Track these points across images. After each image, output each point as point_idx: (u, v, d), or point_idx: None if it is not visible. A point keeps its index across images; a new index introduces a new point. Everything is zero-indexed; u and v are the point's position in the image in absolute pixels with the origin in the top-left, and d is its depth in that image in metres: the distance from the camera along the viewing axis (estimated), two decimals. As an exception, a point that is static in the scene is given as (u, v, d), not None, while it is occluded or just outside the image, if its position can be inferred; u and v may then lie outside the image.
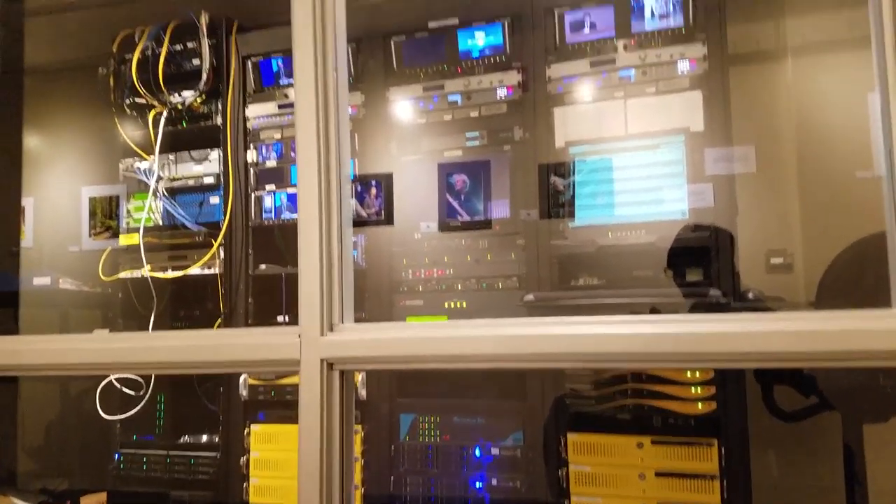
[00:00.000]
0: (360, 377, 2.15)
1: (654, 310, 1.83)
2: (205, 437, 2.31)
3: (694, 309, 1.86)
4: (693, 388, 1.86)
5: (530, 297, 2.02)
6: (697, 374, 1.86)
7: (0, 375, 1.42)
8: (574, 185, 2.07)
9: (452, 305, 2.18)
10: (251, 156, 2.38)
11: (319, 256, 1.16)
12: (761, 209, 2.31)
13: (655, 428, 1.88)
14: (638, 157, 2.04)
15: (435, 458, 2.11)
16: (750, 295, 1.87)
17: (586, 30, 2.12)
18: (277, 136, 2.38)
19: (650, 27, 2.04)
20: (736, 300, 1.84)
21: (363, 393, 2.15)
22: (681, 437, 1.84)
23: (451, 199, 2.23)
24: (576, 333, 1.05)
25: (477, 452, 2.08)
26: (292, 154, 2.35)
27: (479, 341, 1.09)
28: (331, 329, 1.15)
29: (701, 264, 1.92)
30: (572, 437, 1.94)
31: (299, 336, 1.15)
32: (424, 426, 2.14)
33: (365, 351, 1.13)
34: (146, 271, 2.28)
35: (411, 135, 2.27)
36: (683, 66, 2.01)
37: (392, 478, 2.13)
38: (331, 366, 1.13)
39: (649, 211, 2.00)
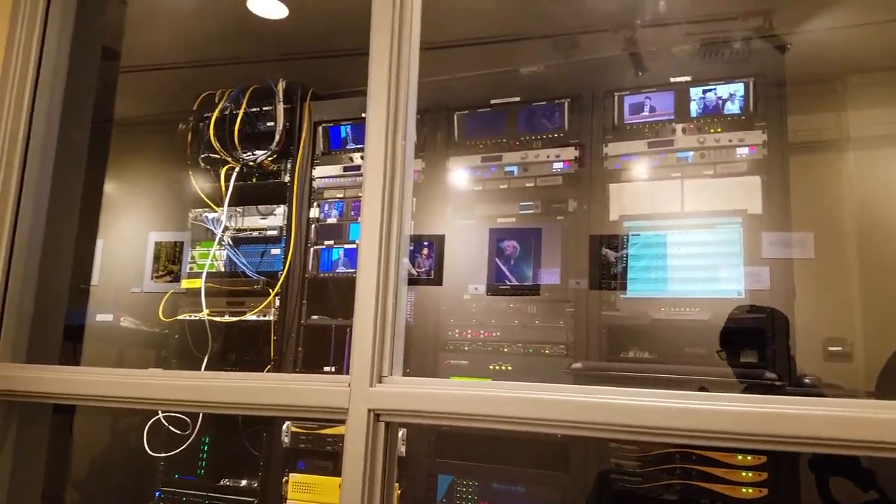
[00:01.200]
0: (400, 434, 2.14)
1: (702, 388, 1.79)
2: (244, 482, 2.32)
3: (748, 391, 1.81)
4: (743, 472, 1.79)
5: (578, 364, 2.01)
6: (749, 458, 1.79)
7: (57, 403, 1.48)
8: (627, 258, 2.08)
9: (497, 368, 2.17)
10: (314, 212, 2.48)
11: (374, 309, 1.20)
12: (820, 296, 2.27)
13: (708, 511, 1.80)
14: (693, 235, 2.04)
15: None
16: (806, 380, 1.81)
17: (645, 112, 2.18)
18: (340, 195, 2.48)
19: (710, 112, 2.08)
20: (791, 385, 1.79)
21: (403, 450, 2.14)
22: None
23: (500, 264, 2.26)
24: (622, 403, 1.05)
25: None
26: (352, 213, 2.44)
27: (523, 403, 1.09)
28: (380, 381, 1.18)
29: (755, 346, 1.88)
30: (617, 516, 1.88)
31: (349, 385, 1.18)
32: (462, 489, 2.10)
33: (411, 405, 1.15)
34: (205, 314, 2.37)
35: (467, 201, 2.34)
36: (742, 151, 2.03)
37: (428, 539, 2.09)
38: (377, 416, 1.16)
39: (704, 288, 1.98)
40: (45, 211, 1.57)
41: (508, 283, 2.23)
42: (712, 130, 2.08)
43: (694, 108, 2.11)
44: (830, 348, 2.23)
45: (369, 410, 1.15)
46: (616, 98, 2.19)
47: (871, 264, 2.28)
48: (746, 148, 2.02)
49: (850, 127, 2.36)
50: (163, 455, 2.34)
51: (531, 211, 2.26)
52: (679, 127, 2.11)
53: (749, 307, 1.91)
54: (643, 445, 1.88)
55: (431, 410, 1.14)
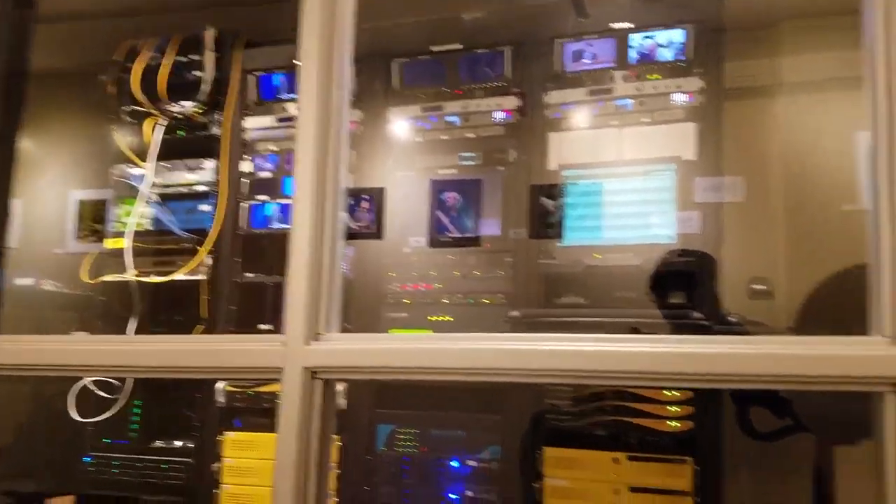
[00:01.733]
0: (340, 388, 2.14)
1: (634, 329, 1.85)
2: (178, 443, 2.29)
3: (675, 331, 1.88)
4: (670, 407, 1.87)
5: (516, 313, 2.04)
6: (676, 393, 1.87)
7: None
8: (564, 207, 2.10)
9: (438, 319, 2.19)
10: (246, 166, 2.39)
11: (309, 264, 1.17)
12: (747, 238, 2.35)
13: (632, 445, 1.89)
14: (629, 182, 2.07)
15: (412, 469, 2.11)
16: (731, 318, 1.89)
17: (586, 59, 2.17)
18: (274, 148, 2.40)
19: (649, 59, 2.08)
20: (717, 323, 1.87)
21: (343, 403, 2.14)
22: (656, 455, 1.85)
23: (441, 216, 2.25)
24: (557, 349, 1.06)
25: (454, 464, 2.07)
26: (287, 166, 2.36)
27: (463, 354, 1.10)
28: (316, 338, 1.16)
29: (684, 288, 1.94)
30: (549, 452, 1.94)
31: (283, 344, 1.15)
32: (402, 438, 2.13)
33: (349, 361, 1.13)
34: (131, 274, 2.27)
35: (407, 152, 2.30)
36: (679, 98, 2.05)
37: (368, 488, 2.12)
38: (314, 374, 1.14)
39: (637, 234, 2.03)
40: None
41: (450, 234, 2.23)
42: (651, 77, 2.09)
43: (633, 55, 2.11)
44: (754, 286, 2.32)
45: (305, 369, 1.13)
46: (557, 45, 2.16)
47: (795, 204, 2.37)
48: (684, 95, 2.04)
49: (783, 73, 2.41)
50: (91, 420, 2.27)
51: (472, 162, 2.24)
52: (619, 74, 2.11)
53: (679, 251, 1.97)
54: (576, 386, 1.94)
55: (370, 366, 1.14)
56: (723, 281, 1.95)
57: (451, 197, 2.25)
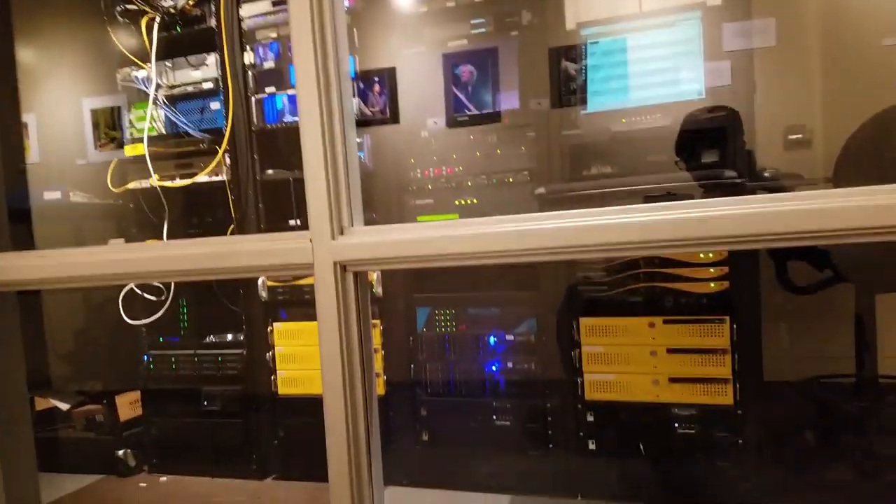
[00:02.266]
0: (374, 275, 2.18)
1: (669, 194, 1.82)
2: (230, 336, 2.41)
3: (710, 191, 1.84)
4: (706, 269, 1.87)
5: (541, 189, 2.01)
6: (710, 255, 1.87)
7: (20, 289, 1.45)
8: (586, 70, 1.99)
9: (463, 203, 2.17)
10: (248, 58, 2.30)
11: (324, 160, 1.15)
12: (781, 85, 2.23)
13: (667, 309, 1.92)
14: (652, 36, 1.94)
15: (452, 346, 2.19)
16: (766, 174, 1.84)
17: None
18: (274, 35, 2.28)
19: None
20: (752, 180, 1.82)
21: (379, 290, 2.19)
22: (693, 316, 1.88)
23: (457, 93, 2.16)
24: (584, 225, 1.04)
25: (492, 340, 2.15)
26: (290, 54, 2.27)
27: (489, 238, 1.09)
28: (341, 232, 1.15)
29: (716, 146, 1.88)
30: (585, 322, 1.99)
31: (311, 241, 1.15)
32: (440, 318, 2.20)
33: (376, 253, 1.13)
34: (154, 181, 2.28)
35: (413, 25, 2.17)
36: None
37: (412, 366, 2.22)
38: (343, 268, 1.15)
39: (665, 93, 1.93)
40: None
41: (468, 112, 2.15)
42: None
43: None
44: (790, 136, 2.24)
45: (335, 263, 1.14)
46: None
47: (832, 47, 2.22)
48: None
49: None
50: (143, 322, 2.38)
51: (483, 29, 2.11)
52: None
53: (708, 108, 1.88)
54: (608, 258, 1.94)
55: (397, 256, 1.14)
56: (757, 133, 1.88)
57: (465, 71, 2.15)
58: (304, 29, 1.14)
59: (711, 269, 1.87)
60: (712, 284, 1.87)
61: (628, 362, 1.95)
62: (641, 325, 1.93)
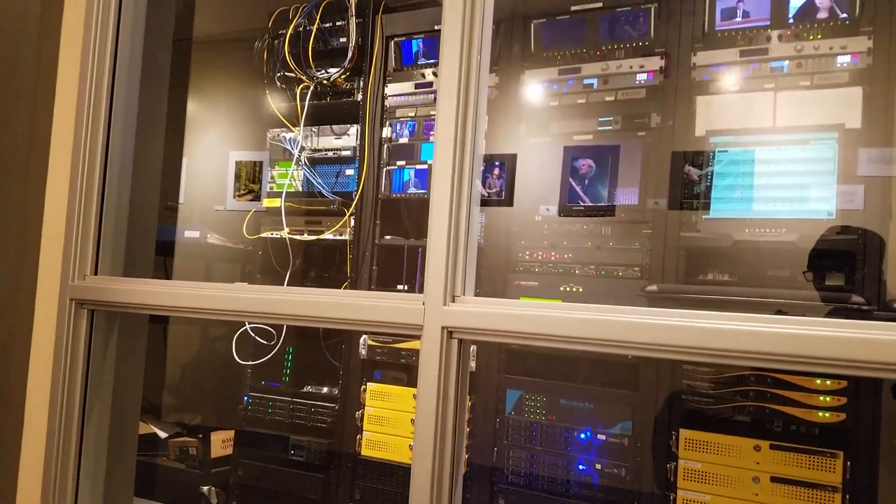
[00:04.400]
0: (471, 349, 2.20)
1: (780, 311, 1.74)
2: (325, 389, 2.48)
3: (831, 315, 1.74)
4: (821, 397, 1.75)
5: (653, 287, 1.98)
6: (828, 382, 1.75)
7: (152, 314, 1.60)
8: (711, 176, 1.99)
9: (568, 289, 2.17)
10: (386, 132, 2.48)
11: (448, 230, 1.22)
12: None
13: (776, 433, 1.80)
14: (784, 151, 1.92)
15: (539, 435, 2.13)
16: (895, 304, 1.73)
17: (738, 17, 2.02)
18: (412, 114, 2.46)
19: (809, 17, 1.91)
20: (880, 309, 1.71)
21: (473, 365, 2.20)
22: (803, 445, 1.75)
23: (573, 183, 2.21)
24: (696, 325, 1.03)
25: (583, 436, 2.08)
26: (424, 132, 2.43)
27: (594, 324, 1.10)
28: (453, 300, 1.21)
29: (844, 269, 1.79)
30: (685, 433, 1.89)
31: (423, 303, 1.21)
32: (531, 404, 2.16)
33: (483, 323, 1.17)
34: (285, 233, 2.46)
35: (541, 117, 2.27)
36: (844, 60, 1.86)
37: (496, 449, 2.18)
38: (450, 333, 1.19)
39: (792, 209, 1.88)
40: (134, 131, 1.65)
41: (582, 203, 2.19)
42: (811, 38, 1.91)
43: (791, 12, 1.94)
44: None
45: (443, 328, 1.19)
46: (707, 1, 2.03)
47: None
48: (849, 56, 1.85)
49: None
50: (250, 363, 2.51)
51: (610, 127, 2.17)
52: (775, 34, 1.95)
53: (840, 228, 1.81)
54: (717, 367, 1.86)
55: (502, 329, 1.17)
56: (888, 262, 1.78)
57: (584, 164, 2.21)
58: (448, 111, 1.24)
59: (827, 398, 1.75)
60: (827, 414, 1.74)
61: (727, 485, 1.82)
62: (746, 447, 1.81)
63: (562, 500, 2.06)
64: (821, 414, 1.75)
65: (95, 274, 1.55)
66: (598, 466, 2.04)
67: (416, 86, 2.46)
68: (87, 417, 1.52)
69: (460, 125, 1.24)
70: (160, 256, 2.63)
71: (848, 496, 1.69)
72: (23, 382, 1.50)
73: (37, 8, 1.49)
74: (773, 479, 1.77)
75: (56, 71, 1.51)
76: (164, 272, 2.69)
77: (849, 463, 1.70)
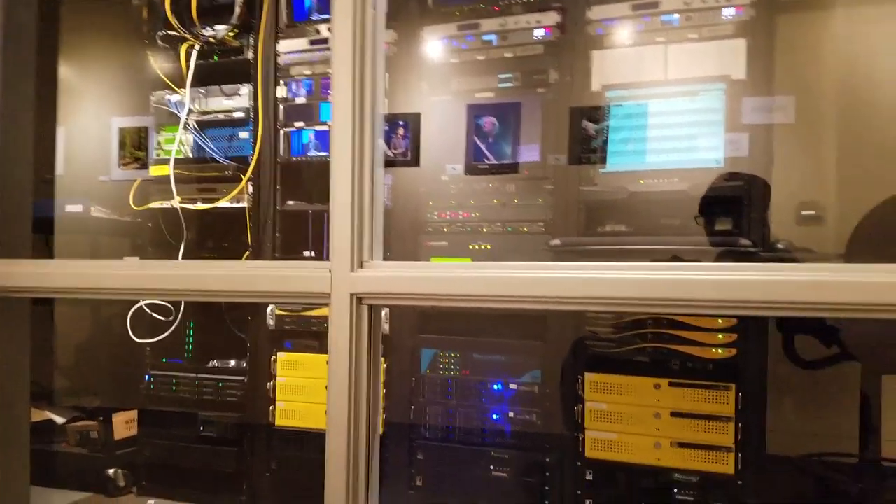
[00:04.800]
0: (383, 313, 2.19)
1: (675, 258, 1.84)
2: (233, 363, 2.40)
3: (721, 258, 1.85)
4: (713, 335, 1.88)
5: (556, 241, 2.03)
6: (720, 321, 1.87)
7: (35, 297, 1.48)
8: (607, 130, 2.04)
9: (477, 248, 2.20)
10: (281, 92, 2.37)
11: (351, 194, 1.18)
12: (797, 161, 2.27)
13: (674, 371, 1.92)
14: (676, 103, 2.00)
15: (455, 390, 2.18)
16: (780, 245, 1.86)
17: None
18: (308, 72, 2.36)
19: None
20: (765, 250, 1.84)
21: (386, 328, 2.20)
22: (698, 381, 1.87)
23: (478, 142, 2.21)
24: (598, 277, 1.06)
25: (496, 387, 2.14)
26: (322, 91, 2.34)
27: (503, 282, 1.11)
28: (360, 265, 1.18)
29: (732, 214, 1.91)
30: (590, 377, 1.99)
31: (330, 271, 1.17)
32: (445, 361, 2.20)
33: (393, 288, 1.15)
34: (176, 202, 2.32)
35: (443, 75, 2.24)
36: (729, 13, 1.94)
37: (413, 407, 2.21)
38: (360, 300, 1.17)
39: (683, 158, 1.97)
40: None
41: (487, 161, 2.20)
42: (698, -10, 1.97)
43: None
44: (803, 212, 2.26)
45: (351, 295, 1.16)
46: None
47: (849, 128, 2.27)
48: (733, 8, 1.93)
49: (837, -17, 2.26)
50: (149, 341, 2.39)
51: (511, 84, 2.17)
52: (664, -12, 2.00)
53: (728, 174, 1.91)
54: (618, 313, 1.95)
55: (413, 293, 1.16)
56: (771, 206, 1.91)
57: (487, 122, 2.21)
58: (344, 69, 1.19)
59: (720, 336, 1.87)
60: (720, 350, 1.87)
61: (631, 422, 1.94)
62: (647, 386, 1.93)
63: (478, 450, 2.12)
64: (714, 350, 1.88)
65: None
66: (511, 415, 2.11)
67: (311, 42, 2.35)
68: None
69: (358, 84, 1.19)
70: (40, 234, 2.42)
71: (740, 425, 1.84)
72: None
73: None
74: (673, 414, 1.89)
75: None
76: (47, 251, 2.48)
77: (740, 394, 1.84)
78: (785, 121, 1.97)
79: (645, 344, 1.95)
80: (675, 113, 2.00)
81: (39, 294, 1.45)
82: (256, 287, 1.26)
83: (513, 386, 2.12)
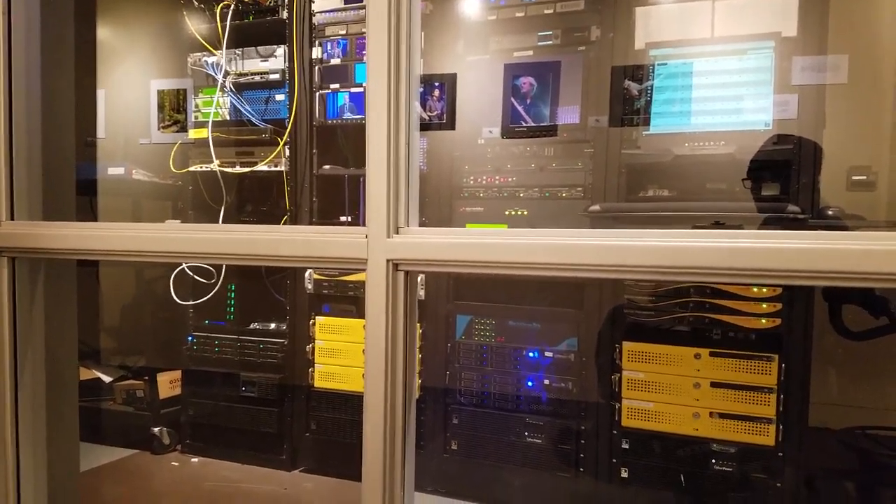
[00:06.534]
0: (419, 278, 2.19)
1: (717, 223, 1.78)
2: (272, 325, 2.44)
3: (767, 224, 1.79)
4: (758, 304, 1.83)
5: (596, 207, 1.99)
6: (764, 290, 1.82)
7: (81, 259, 1.51)
8: (651, 91, 1.97)
9: (513, 213, 2.16)
10: (316, 53, 2.34)
11: (387, 158, 1.16)
12: (849, 123, 2.17)
13: (715, 341, 1.88)
14: (722, 62, 1.91)
15: (490, 357, 2.18)
16: (829, 212, 1.78)
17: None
18: (342, 32, 2.32)
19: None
20: (814, 217, 1.77)
21: (421, 293, 2.20)
22: (741, 351, 1.83)
23: (515, 103, 2.16)
24: (637, 245, 1.03)
25: (531, 354, 2.13)
26: (357, 52, 2.30)
27: (541, 249, 1.08)
28: (396, 231, 1.17)
29: (780, 178, 1.83)
30: (627, 346, 1.96)
31: (366, 237, 1.17)
32: (480, 328, 2.19)
33: (429, 254, 1.14)
34: (216, 166, 2.33)
35: (479, 33, 2.18)
36: (780, -34, 1.84)
37: (448, 372, 2.22)
38: (396, 266, 1.16)
39: (730, 120, 1.90)
40: (38, 63, 1.49)
41: (525, 124, 2.15)
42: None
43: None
44: (854, 177, 2.17)
45: (388, 261, 1.15)
46: None
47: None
48: (785, -39, 1.83)
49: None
50: (192, 303, 2.44)
51: (550, 42, 2.11)
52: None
53: (776, 137, 1.84)
54: (658, 281, 1.91)
55: (449, 259, 1.14)
56: (822, 171, 1.83)
57: (525, 83, 2.15)
58: (379, 27, 1.15)
59: (764, 305, 1.82)
60: (763, 321, 1.82)
61: (669, 392, 1.91)
62: (687, 355, 1.89)
63: (512, 416, 2.12)
64: (757, 320, 1.83)
65: (12, 219, 1.43)
66: (547, 382, 2.10)
67: (346, 0, 2.31)
68: (21, 368, 1.44)
69: (394, 43, 1.15)
70: (84, 196, 2.47)
71: (782, 396, 1.80)
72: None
73: None
74: (714, 385, 1.86)
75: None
76: (92, 213, 2.53)
77: (783, 365, 1.79)
78: (837, 81, 1.88)
79: (686, 313, 1.91)
80: (721, 73, 1.92)
81: (85, 256, 1.47)
82: (294, 252, 1.25)
83: (548, 354, 2.11)
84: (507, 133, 2.16)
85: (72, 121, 1.55)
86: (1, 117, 1.37)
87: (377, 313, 1.16)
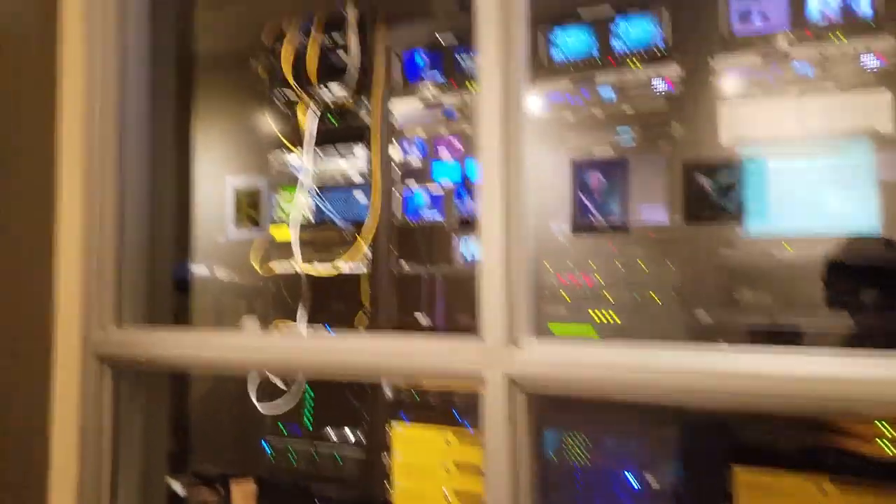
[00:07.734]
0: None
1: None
2: (348, 433, 2.32)
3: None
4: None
5: (707, 319, 1.86)
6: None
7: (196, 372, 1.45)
8: (739, 189, 1.90)
9: (603, 320, 2.04)
10: (395, 152, 2.36)
11: (504, 259, 1.09)
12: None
13: (843, 470, 1.68)
14: (814, 161, 1.84)
15: (582, 478, 2.00)
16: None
17: (755, 20, 1.94)
18: (421, 132, 2.34)
19: (830, 18, 1.83)
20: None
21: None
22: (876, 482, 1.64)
23: (584, 198, 2.11)
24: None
25: (629, 478, 1.95)
26: (436, 150, 2.31)
27: (695, 374, 0.97)
28: (516, 343, 1.07)
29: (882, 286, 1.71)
30: (741, 474, 1.77)
31: (482, 350, 1.08)
32: (571, 445, 2.03)
33: (558, 372, 1.04)
34: (299, 266, 2.32)
35: (554, 132, 2.15)
36: (869, 61, 1.79)
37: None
38: (517, 385, 1.06)
39: (834, 224, 1.80)
40: (146, 157, 1.50)
41: (595, 219, 2.08)
42: (834, 38, 1.83)
43: (813, 12, 1.86)
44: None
45: (509, 379, 1.06)
46: (721, 4, 1.93)
47: None
48: (873, 56, 1.78)
49: None
50: (273, 412, 2.35)
51: (628, 136, 2.07)
52: (795, 36, 1.87)
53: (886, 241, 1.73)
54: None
55: (583, 379, 1.04)
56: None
57: (594, 178, 2.11)
58: (492, 123, 1.12)
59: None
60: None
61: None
62: (808, 487, 1.69)
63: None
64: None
65: (119, 326, 1.39)
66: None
67: (425, 103, 2.34)
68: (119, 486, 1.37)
69: (503, 136, 1.12)
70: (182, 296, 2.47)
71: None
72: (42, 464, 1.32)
73: (33, 37, 1.34)
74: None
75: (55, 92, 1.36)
76: (186, 316, 2.51)
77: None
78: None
79: (807, 438, 1.72)
80: (812, 171, 1.84)
81: (203, 370, 1.42)
82: (399, 364, 1.18)
83: (648, 477, 1.93)
84: (577, 228, 2.09)
85: (173, 218, 1.55)
86: (111, 216, 1.37)
87: (498, 441, 1.05)
